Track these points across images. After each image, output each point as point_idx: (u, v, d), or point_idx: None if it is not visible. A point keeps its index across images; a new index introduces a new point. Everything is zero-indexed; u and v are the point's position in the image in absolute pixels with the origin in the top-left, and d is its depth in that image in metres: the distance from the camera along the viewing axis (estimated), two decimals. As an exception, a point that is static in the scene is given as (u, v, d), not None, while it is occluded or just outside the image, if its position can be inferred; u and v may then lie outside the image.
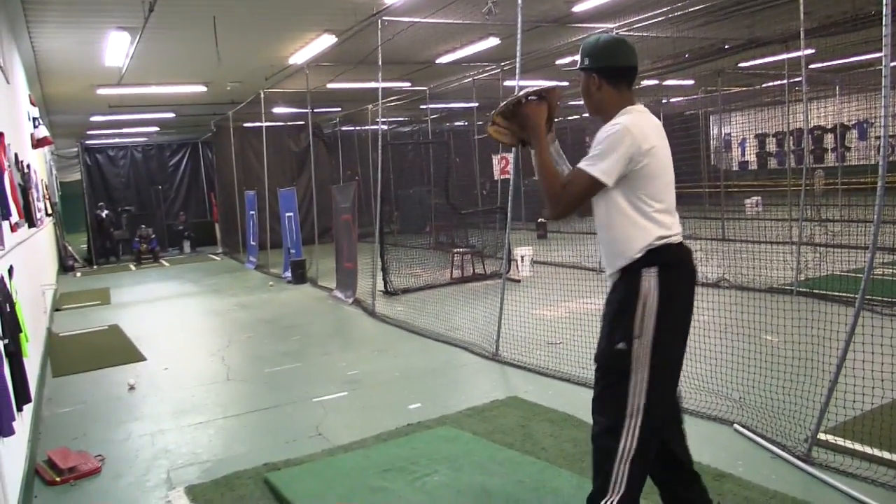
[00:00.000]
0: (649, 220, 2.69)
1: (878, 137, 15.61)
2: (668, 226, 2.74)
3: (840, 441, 4.09)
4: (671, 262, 2.71)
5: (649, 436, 2.66)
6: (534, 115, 2.87)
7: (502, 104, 2.94)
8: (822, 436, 4.09)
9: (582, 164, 2.69)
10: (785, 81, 12.12)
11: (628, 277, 2.70)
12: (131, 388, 6.61)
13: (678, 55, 12.21)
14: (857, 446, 3.99)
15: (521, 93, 2.91)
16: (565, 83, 16.07)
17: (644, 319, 2.63)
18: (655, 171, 2.70)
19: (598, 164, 2.65)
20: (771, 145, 21.47)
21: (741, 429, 4.48)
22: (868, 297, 4.15)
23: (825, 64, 13.95)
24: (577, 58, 2.90)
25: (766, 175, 21.20)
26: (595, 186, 2.67)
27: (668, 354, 2.70)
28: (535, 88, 2.92)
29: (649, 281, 2.65)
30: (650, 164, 2.67)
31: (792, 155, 15.42)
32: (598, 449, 2.74)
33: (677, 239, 2.77)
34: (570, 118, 23.90)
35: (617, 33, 9.67)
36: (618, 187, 2.68)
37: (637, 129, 2.66)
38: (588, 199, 2.75)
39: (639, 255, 2.67)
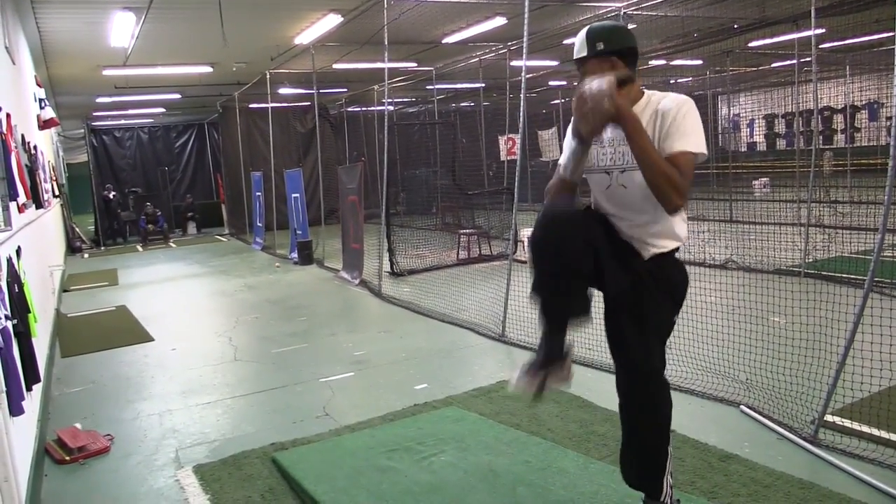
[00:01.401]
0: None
1: (888, 118, 15.50)
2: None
3: (847, 423, 4.09)
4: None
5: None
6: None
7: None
8: (828, 417, 4.09)
9: (679, 147, 2.60)
10: (795, 61, 12.00)
11: (674, 259, 2.88)
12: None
13: (687, 34, 12.09)
14: (865, 428, 3.99)
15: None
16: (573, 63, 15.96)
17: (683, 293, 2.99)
18: None
19: (696, 141, 2.62)
20: (780, 126, 21.31)
21: (748, 410, 4.48)
22: (877, 279, 4.13)
23: (835, 44, 13.79)
24: (580, 46, 2.80)
25: (774, 156, 21.07)
26: (697, 160, 2.66)
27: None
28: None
29: (679, 263, 2.93)
30: None
31: (801, 136, 15.31)
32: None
33: None
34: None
35: (625, 13, 9.58)
36: None
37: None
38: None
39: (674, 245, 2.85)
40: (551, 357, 2.79)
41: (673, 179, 2.55)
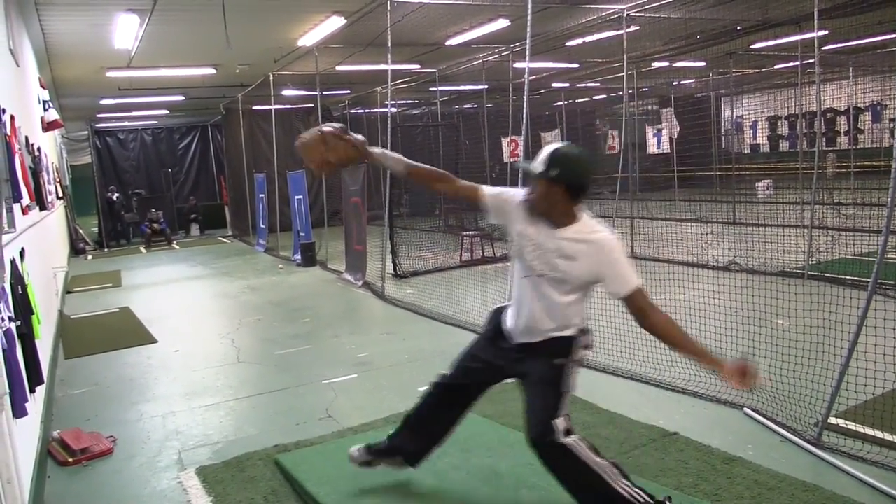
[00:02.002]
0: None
1: (892, 120, 15.48)
2: None
3: (851, 425, 4.08)
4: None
5: None
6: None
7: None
8: (832, 420, 4.08)
9: (635, 283, 2.96)
10: (798, 63, 12.00)
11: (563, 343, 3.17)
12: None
13: (690, 36, 12.09)
14: (868, 430, 3.98)
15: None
16: (575, 65, 15.98)
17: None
18: None
19: (633, 274, 3.00)
20: (783, 128, 21.28)
21: (751, 412, 4.48)
22: (881, 280, 4.12)
23: (838, 45, 13.77)
24: (539, 163, 3.02)
25: (777, 158, 21.04)
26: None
27: None
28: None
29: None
30: None
31: (804, 138, 15.29)
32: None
33: None
34: (579, 100, 23.80)
35: (628, 15, 9.57)
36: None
37: None
38: None
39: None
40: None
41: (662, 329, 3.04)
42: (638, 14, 10.12)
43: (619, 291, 2.96)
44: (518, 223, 3.12)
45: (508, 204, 3.17)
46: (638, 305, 2.96)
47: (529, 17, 6.73)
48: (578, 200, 3.01)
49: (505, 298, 6.93)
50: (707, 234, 11.35)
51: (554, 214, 3.02)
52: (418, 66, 15.55)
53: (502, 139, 17.08)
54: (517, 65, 13.89)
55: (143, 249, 18.28)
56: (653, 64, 15.61)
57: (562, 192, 2.96)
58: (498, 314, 3.45)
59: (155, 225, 19.11)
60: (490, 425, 4.57)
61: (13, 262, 4.30)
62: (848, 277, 7.51)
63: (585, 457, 2.95)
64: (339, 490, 3.76)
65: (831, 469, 3.72)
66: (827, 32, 11.29)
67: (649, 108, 19.66)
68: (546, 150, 3.04)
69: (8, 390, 3.35)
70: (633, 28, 10.75)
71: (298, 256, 13.05)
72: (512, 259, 3.35)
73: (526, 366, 3.22)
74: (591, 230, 3.02)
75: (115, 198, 19.95)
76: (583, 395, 4.99)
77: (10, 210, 4.54)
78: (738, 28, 11.59)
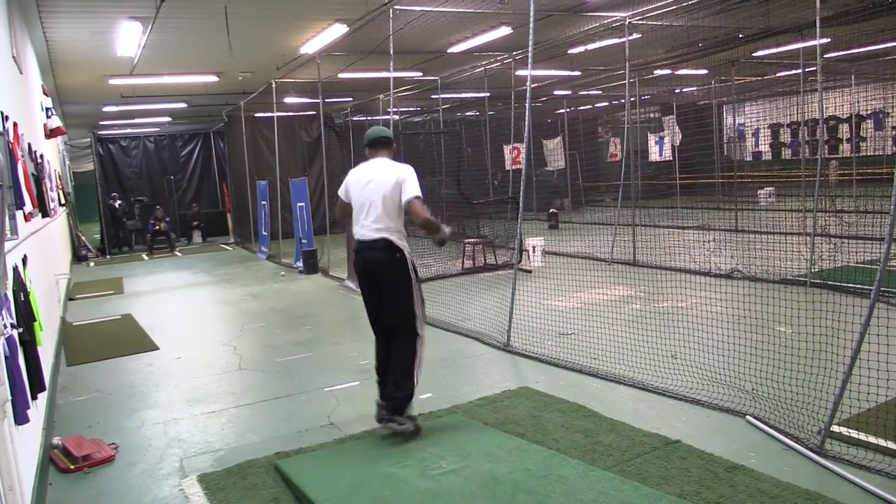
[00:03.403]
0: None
1: (894, 127, 15.47)
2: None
3: (854, 433, 4.07)
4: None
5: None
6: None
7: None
8: (835, 428, 4.07)
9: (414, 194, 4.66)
10: (800, 71, 12.02)
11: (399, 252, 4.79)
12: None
13: (692, 44, 12.11)
14: (871, 438, 3.97)
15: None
16: (577, 73, 16.02)
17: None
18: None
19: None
20: (785, 136, 21.29)
21: (754, 420, 4.46)
22: (884, 289, 4.11)
23: (841, 53, 13.79)
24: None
25: (779, 166, 21.04)
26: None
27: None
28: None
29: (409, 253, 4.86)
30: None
31: (806, 145, 15.29)
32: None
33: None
34: (581, 108, 23.84)
35: (630, 23, 9.59)
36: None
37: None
38: None
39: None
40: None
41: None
42: (640, 22, 10.14)
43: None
44: None
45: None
46: None
47: (532, 25, 6.75)
48: (374, 151, 4.87)
49: (507, 306, 6.95)
50: (709, 241, 11.34)
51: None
52: (420, 74, 15.60)
53: (504, 147, 17.10)
54: (519, 72, 13.93)
55: (145, 256, 18.30)
56: (655, 71, 15.63)
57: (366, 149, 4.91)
58: None
59: (161, 225, 19.12)
60: (488, 431, 4.56)
61: (16, 268, 4.31)
62: (850, 285, 7.49)
63: None
64: (339, 495, 3.76)
65: (834, 477, 3.70)
66: (829, 40, 11.33)
67: (651, 115, 19.68)
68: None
69: (10, 397, 3.35)
70: (635, 36, 10.77)
71: (300, 264, 13.06)
72: None
73: None
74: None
75: (117, 205, 19.99)
76: (585, 402, 4.99)
77: (12, 217, 4.55)
78: (741, 36, 11.61)
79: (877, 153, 17.06)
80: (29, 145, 6.47)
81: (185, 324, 9.23)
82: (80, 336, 8.76)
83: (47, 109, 10.03)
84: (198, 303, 10.87)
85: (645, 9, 9.74)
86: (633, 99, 13.09)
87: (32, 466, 4.12)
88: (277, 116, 15.75)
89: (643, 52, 12.86)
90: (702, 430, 4.44)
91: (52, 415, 5.66)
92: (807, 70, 11.65)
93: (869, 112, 16.31)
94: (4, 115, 4.64)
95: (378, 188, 4.60)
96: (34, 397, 4.13)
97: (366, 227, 4.64)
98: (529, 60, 6.94)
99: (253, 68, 14.14)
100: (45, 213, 7.17)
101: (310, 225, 13.12)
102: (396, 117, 18.66)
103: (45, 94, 10.58)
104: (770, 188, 17.81)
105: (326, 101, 14.99)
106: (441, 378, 6.03)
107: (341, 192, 4.84)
